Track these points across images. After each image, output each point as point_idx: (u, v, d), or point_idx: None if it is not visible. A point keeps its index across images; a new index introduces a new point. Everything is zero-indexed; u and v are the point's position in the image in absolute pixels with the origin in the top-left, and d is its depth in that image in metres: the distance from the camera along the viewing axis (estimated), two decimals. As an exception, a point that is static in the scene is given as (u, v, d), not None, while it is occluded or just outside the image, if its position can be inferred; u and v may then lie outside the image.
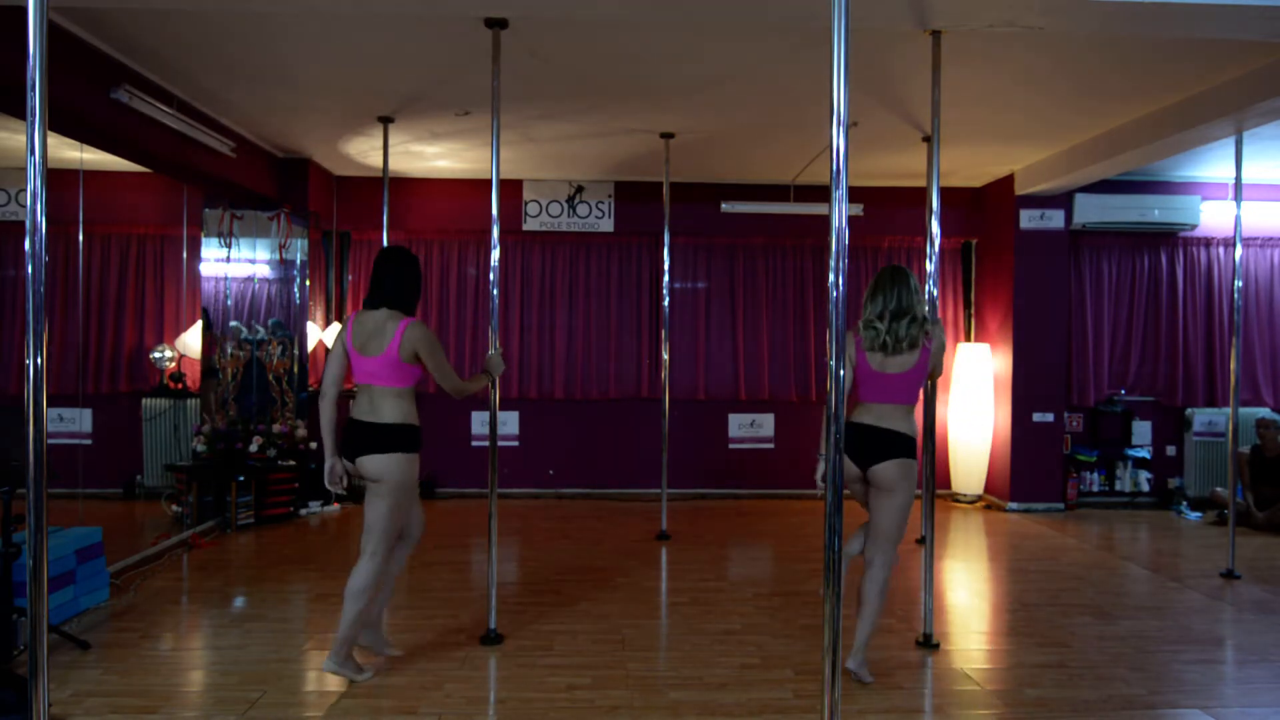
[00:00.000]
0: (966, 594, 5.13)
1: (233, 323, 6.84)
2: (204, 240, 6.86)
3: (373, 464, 3.46)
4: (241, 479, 6.35)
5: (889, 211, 7.81)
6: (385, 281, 3.54)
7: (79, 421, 6.90)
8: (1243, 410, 7.24)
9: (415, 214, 7.78)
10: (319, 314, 7.49)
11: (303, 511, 6.88)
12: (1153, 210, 7.35)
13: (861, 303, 3.65)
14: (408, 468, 3.49)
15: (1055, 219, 7.41)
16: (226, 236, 6.86)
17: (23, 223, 2.83)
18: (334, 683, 3.59)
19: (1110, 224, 7.43)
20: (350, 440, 3.52)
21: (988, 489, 7.77)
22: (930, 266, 4.06)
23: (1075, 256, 7.67)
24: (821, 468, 3.61)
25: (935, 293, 4.08)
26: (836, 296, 2.39)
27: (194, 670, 3.73)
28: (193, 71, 4.96)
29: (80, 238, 6.34)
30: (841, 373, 2.39)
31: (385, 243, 6.03)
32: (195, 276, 6.98)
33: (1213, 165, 7.11)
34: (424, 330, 3.51)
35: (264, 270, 6.98)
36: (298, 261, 7.05)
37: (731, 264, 7.99)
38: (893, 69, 4.65)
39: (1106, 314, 7.72)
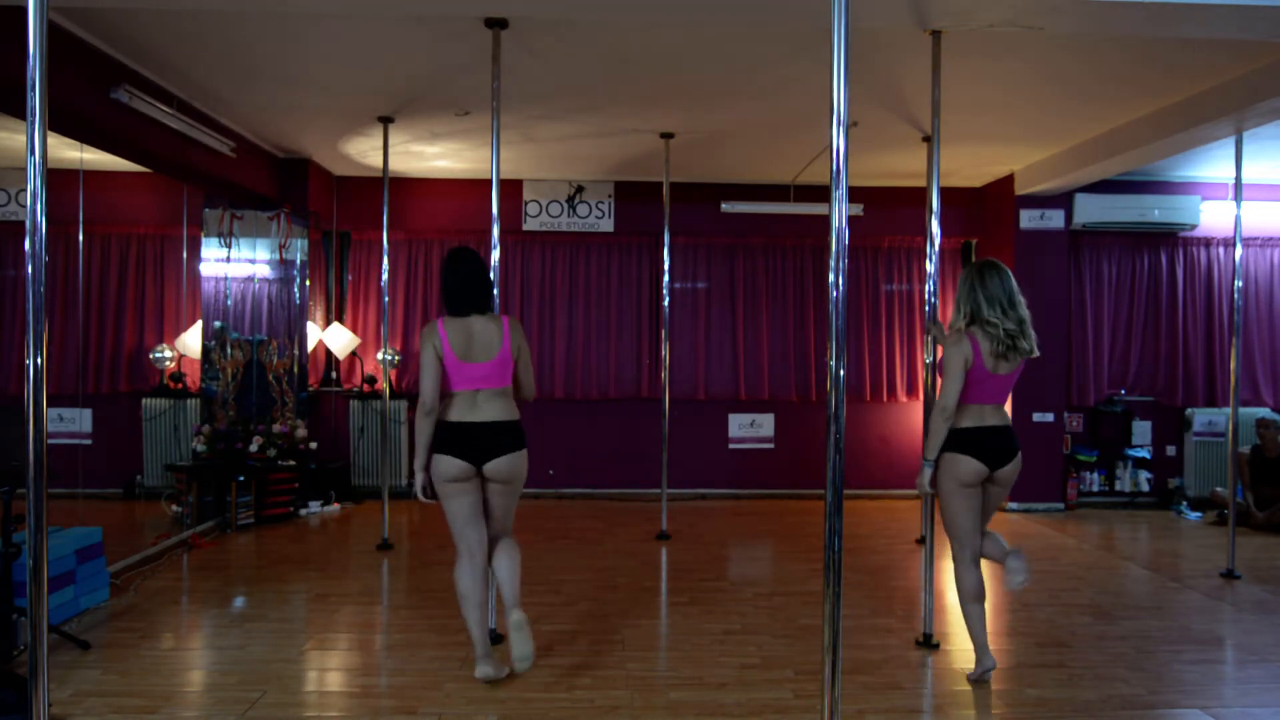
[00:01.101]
0: (966, 594, 5.12)
1: (216, 323, 6.85)
2: (204, 240, 6.86)
3: (511, 463, 3.51)
4: (241, 479, 6.35)
5: (889, 211, 7.81)
6: (474, 284, 3.53)
7: (79, 421, 6.90)
8: (1243, 410, 7.25)
9: (415, 214, 7.78)
10: (319, 314, 7.49)
11: (303, 512, 6.88)
12: (1153, 210, 7.35)
13: (956, 302, 3.55)
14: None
15: (1055, 219, 7.41)
16: (226, 236, 6.86)
17: (23, 223, 2.83)
18: (334, 682, 3.60)
19: (1110, 224, 7.43)
20: (479, 441, 3.46)
21: (988, 489, 7.76)
22: (930, 266, 4.06)
23: (1075, 256, 7.67)
24: (927, 473, 3.57)
25: (936, 292, 4.09)
26: (836, 296, 2.39)
27: (194, 670, 3.73)
28: (192, 71, 4.96)
29: (80, 238, 6.34)
30: (842, 372, 2.39)
31: (385, 243, 6.03)
32: (195, 276, 6.99)
33: (1213, 165, 7.11)
34: (519, 325, 3.64)
35: (264, 270, 6.98)
36: (298, 261, 7.05)
37: (731, 264, 7.99)
38: (893, 69, 4.65)
39: (1106, 314, 7.73)
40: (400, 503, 7.26)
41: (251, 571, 5.27)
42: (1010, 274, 3.50)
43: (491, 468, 3.47)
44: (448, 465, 3.46)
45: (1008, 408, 3.72)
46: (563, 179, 7.81)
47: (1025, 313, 3.47)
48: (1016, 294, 3.47)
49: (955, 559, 3.67)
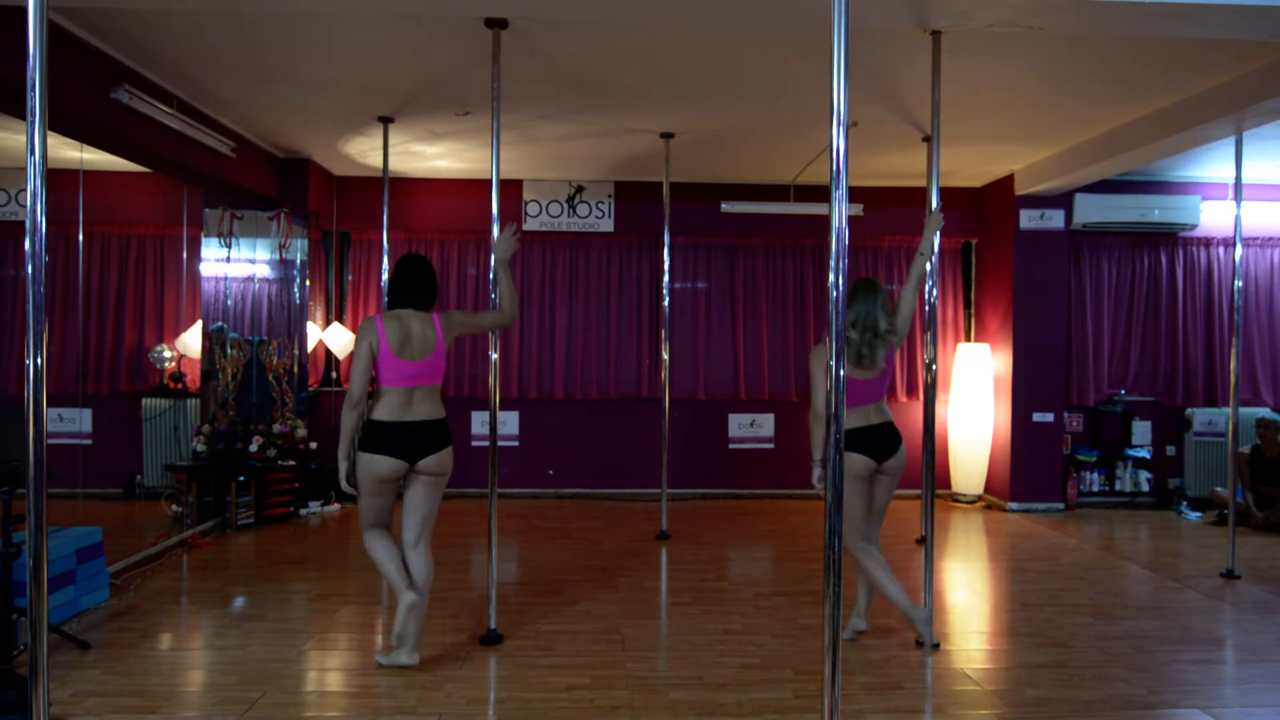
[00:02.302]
0: (966, 594, 5.12)
1: (216, 324, 6.84)
2: (204, 240, 6.85)
3: (441, 459, 3.69)
4: (241, 479, 6.35)
5: (889, 211, 7.81)
6: (422, 280, 3.71)
7: (79, 421, 6.89)
8: (1243, 410, 7.24)
9: (415, 214, 7.79)
10: (319, 314, 7.49)
11: (303, 512, 6.88)
12: (1153, 210, 7.35)
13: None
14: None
15: (1055, 219, 7.41)
16: (226, 236, 6.85)
17: (23, 223, 2.83)
18: (334, 682, 3.60)
19: (1110, 224, 7.43)
20: (413, 441, 3.60)
21: (988, 489, 7.77)
22: (930, 266, 4.06)
23: (1075, 256, 7.67)
24: (818, 472, 3.87)
25: (936, 293, 4.09)
26: (836, 296, 2.39)
27: (194, 670, 3.73)
28: (193, 71, 4.96)
29: (80, 238, 6.33)
30: (842, 373, 2.39)
31: (385, 243, 6.04)
32: (195, 276, 6.98)
33: (1213, 165, 7.11)
34: (450, 312, 3.80)
35: (264, 270, 6.98)
36: (298, 261, 7.04)
37: (731, 264, 7.99)
38: (893, 69, 4.65)
39: (1106, 314, 7.72)
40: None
41: (251, 571, 5.27)
42: (878, 294, 3.87)
43: (424, 464, 3.64)
44: (383, 465, 3.58)
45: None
46: (563, 179, 7.81)
47: (883, 327, 3.84)
48: (877, 311, 3.84)
49: (847, 538, 3.90)
